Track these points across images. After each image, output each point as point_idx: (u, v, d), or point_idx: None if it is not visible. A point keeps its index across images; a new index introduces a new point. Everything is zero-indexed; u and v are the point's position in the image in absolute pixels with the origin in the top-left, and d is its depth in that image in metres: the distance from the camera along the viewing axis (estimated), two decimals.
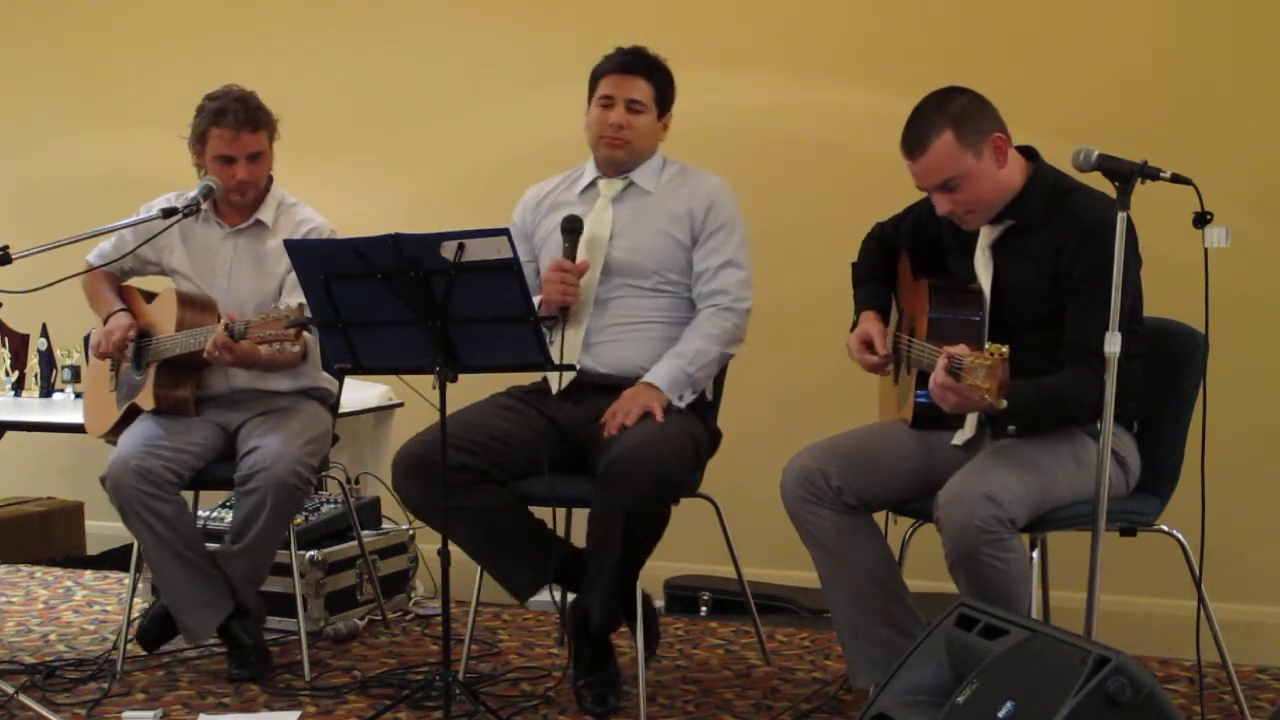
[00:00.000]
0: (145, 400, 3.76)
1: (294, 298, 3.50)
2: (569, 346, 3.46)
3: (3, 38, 5.61)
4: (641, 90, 3.53)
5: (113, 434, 3.84)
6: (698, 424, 3.46)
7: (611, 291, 3.53)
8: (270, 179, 3.86)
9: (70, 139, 5.47)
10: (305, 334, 3.53)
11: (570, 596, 3.59)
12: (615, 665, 3.46)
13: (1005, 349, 2.62)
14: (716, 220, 3.54)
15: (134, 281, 4.00)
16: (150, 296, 3.94)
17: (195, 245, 3.84)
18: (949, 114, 2.96)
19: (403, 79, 5.00)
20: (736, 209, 3.58)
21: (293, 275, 3.70)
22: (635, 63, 3.54)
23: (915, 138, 2.98)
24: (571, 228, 3.50)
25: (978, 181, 2.98)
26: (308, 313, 3.23)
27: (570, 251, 3.49)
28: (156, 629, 3.81)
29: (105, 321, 3.84)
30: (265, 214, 3.84)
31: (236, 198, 3.79)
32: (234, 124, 3.69)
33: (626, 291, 3.53)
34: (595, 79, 3.57)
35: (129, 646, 3.82)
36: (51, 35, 5.53)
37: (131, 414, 3.81)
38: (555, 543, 3.50)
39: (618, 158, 3.57)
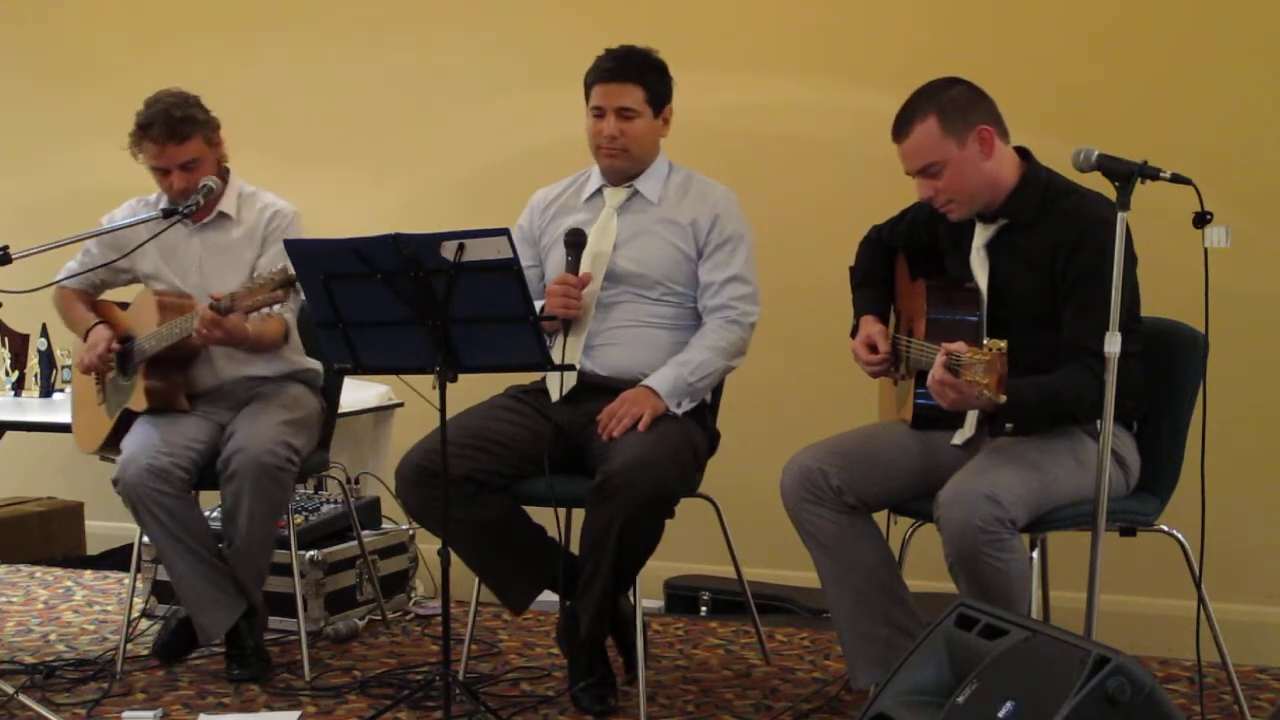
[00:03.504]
0: (137, 402, 3.75)
1: (274, 264, 3.50)
2: (570, 352, 3.45)
3: (7, 49, 5.61)
4: (631, 96, 3.48)
5: (106, 448, 3.84)
6: (696, 428, 3.45)
7: (616, 297, 3.52)
8: (227, 171, 3.84)
9: (70, 151, 5.46)
10: (286, 316, 3.56)
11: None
12: (610, 666, 3.47)
13: (1003, 344, 2.62)
14: (723, 233, 3.52)
15: (106, 295, 3.99)
16: (125, 306, 3.94)
17: (165, 246, 3.81)
18: (937, 100, 2.99)
19: (399, 81, 4.99)
20: (743, 221, 3.55)
21: (264, 259, 3.76)
22: (622, 68, 3.50)
23: (901, 121, 3.03)
24: (574, 241, 3.49)
25: (960, 170, 3.00)
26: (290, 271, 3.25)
27: (573, 265, 3.47)
28: (175, 641, 3.81)
29: (85, 337, 3.83)
30: (227, 205, 3.83)
31: (182, 201, 3.74)
32: (158, 138, 3.66)
33: (630, 297, 3.52)
34: (587, 87, 3.53)
35: (129, 647, 3.82)
36: (45, 48, 5.53)
37: (125, 421, 3.79)
38: (557, 553, 3.51)
39: (617, 166, 3.55)
